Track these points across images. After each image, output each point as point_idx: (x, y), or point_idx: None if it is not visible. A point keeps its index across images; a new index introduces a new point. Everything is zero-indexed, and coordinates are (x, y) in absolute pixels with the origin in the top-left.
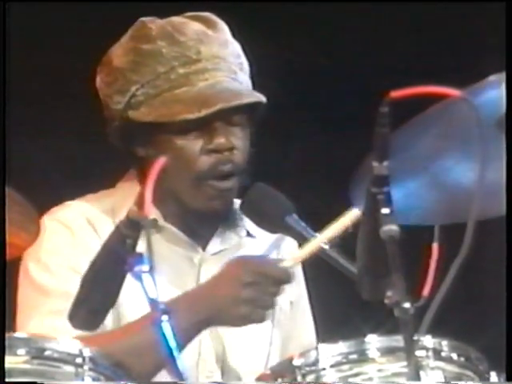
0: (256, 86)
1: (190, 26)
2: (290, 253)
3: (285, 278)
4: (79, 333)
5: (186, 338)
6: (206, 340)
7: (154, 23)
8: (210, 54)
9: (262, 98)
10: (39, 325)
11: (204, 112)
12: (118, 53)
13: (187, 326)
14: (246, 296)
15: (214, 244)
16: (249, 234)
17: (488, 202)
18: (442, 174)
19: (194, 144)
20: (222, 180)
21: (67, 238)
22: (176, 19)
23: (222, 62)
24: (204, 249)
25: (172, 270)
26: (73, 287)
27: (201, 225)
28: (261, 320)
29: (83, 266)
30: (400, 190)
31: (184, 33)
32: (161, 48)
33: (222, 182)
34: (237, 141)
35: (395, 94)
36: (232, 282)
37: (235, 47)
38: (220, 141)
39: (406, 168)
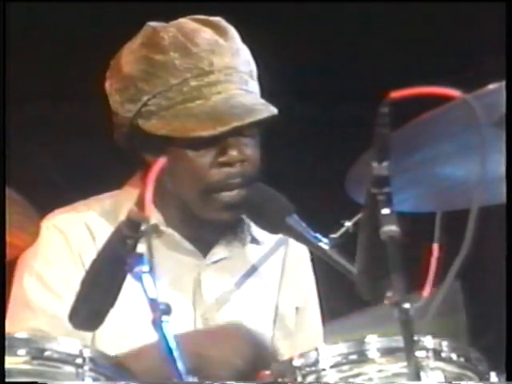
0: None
1: (201, 34)
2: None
3: (273, 357)
4: None
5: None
6: None
7: (165, 31)
8: (222, 64)
9: (275, 111)
10: None
11: (218, 130)
12: (129, 59)
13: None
14: (237, 366)
15: (216, 251)
16: (254, 241)
17: (487, 192)
18: (439, 167)
19: (205, 156)
20: (231, 192)
21: (63, 248)
22: (186, 25)
23: (234, 72)
24: (205, 256)
25: (171, 276)
26: (60, 309)
27: (205, 232)
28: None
29: (75, 280)
30: (397, 182)
31: (196, 43)
32: (173, 60)
33: (230, 195)
34: (248, 151)
35: (395, 94)
36: (229, 349)
37: (245, 54)
38: (232, 153)
39: (405, 164)
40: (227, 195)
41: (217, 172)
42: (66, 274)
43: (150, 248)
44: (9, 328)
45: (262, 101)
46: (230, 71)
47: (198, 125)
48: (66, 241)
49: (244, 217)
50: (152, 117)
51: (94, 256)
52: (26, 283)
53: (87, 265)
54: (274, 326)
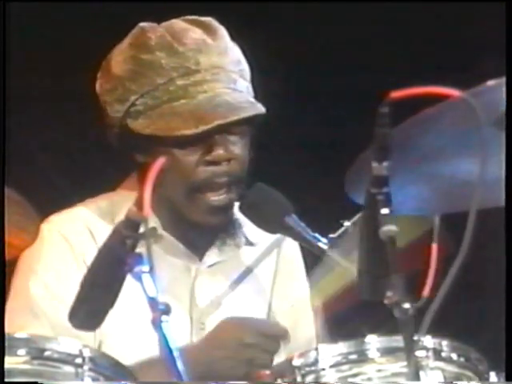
0: (254, 86)
1: (189, 34)
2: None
3: (283, 335)
4: None
5: None
6: None
7: (153, 31)
8: (209, 63)
9: (262, 110)
10: None
11: (201, 128)
12: (118, 59)
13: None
14: (247, 357)
15: (211, 255)
16: (248, 242)
17: (486, 195)
18: (439, 167)
19: (191, 155)
20: (218, 193)
21: (66, 252)
22: (176, 25)
23: (222, 71)
24: (201, 260)
25: (167, 280)
26: (63, 315)
27: (199, 235)
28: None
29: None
30: (397, 182)
31: (183, 42)
32: (160, 59)
33: (217, 197)
34: (236, 150)
35: (395, 94)
36: (232, 343)
37: (235, 53)
38: (219, 152)
39: (404, 162)
40: (214, 198)
41: (203, 170)
42: (72, 282)
43: (149, 248)
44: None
45: (250, 99)
46: (216, 70)
47: (181, 123)
48: (70, 247)
49: (236, 218)
50: (139, 116)
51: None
52: (32, 290)
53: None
54: None
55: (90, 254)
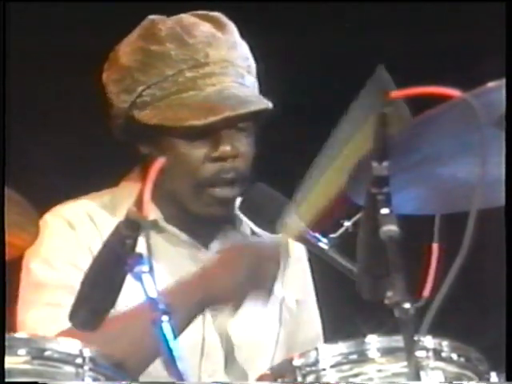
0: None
1: (199, 27)
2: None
3: (277, 259)
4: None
5: (183, 321)
6: (210, 338)
7: (163, 23)
8: (218, 57)
9: (269, 105)
10: (36, 316)
11: (210, 119)
12: (126, 51)
13: (184, 308)
14: (246, 278)
15: (217, 243)
16: (254, 233)
17: (487, 195)
18: (440, 167)
19: (198, 150)
20: (223, 188)
21: (69, 234)
22: (185, 19)
23: (230, 65)
24: (207, 248)
25: (175, 270)
26: (72, 280)
27: (202, 228)
28: (262, 299)
29: (83, 262)
30: (397, 182)
31: (193, 35)
32: (169, 50)
33: (222, 191)
34: (242, 147)
35: (395, 94)
36: (232, 265)
37: (243, 49)
38: (225, 148)
39: (405, 163)
40: (219, 191)
41: (209, 166)
42: (73, 256)
43: (149, 248)
44: (24, 314)
45: (257, 94)
46: (225, 64)
47: (190, 114)
48: (73, 229)
49: (237, 215)
50: (146, 107)
51: (99, 243)
52: (33, 266)
53: (93, 250)
54: (280, 317)
55: (90, 237)
